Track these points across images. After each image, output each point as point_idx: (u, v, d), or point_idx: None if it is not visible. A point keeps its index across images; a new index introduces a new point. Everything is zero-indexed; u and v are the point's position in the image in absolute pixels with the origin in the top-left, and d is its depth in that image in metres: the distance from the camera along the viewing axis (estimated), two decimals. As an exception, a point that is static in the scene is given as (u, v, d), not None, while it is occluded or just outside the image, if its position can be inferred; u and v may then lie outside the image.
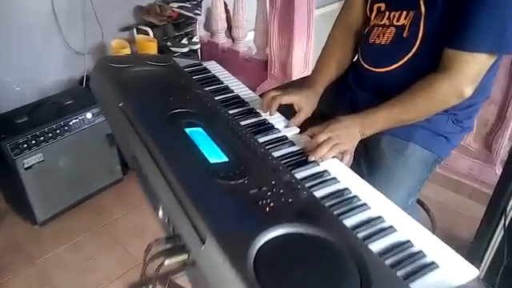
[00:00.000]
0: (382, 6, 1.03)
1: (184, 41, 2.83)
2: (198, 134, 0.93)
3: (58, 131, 1.75)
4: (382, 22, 1.02)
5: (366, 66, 1.08)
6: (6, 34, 2.41)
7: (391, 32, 1.00)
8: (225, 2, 2.99)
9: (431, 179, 2.01)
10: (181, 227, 0.73)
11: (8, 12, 2.38)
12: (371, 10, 1.06)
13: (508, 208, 1.26)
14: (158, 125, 0.95)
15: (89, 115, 1.83)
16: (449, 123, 1.04)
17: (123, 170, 2.08)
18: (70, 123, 1.79)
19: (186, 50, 2.80)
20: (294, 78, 2.57)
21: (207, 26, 3.18)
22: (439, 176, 1.99)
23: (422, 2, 0.94)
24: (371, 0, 1.06)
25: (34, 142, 1.69)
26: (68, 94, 2.00)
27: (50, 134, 1.73)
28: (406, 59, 0.99)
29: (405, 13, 0.97)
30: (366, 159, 1.02)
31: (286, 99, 1.00)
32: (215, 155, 0.86)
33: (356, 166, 0.99)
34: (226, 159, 0.85)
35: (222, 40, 3.02)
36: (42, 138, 1.71)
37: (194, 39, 2.87)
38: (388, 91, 0.99)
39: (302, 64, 2.57)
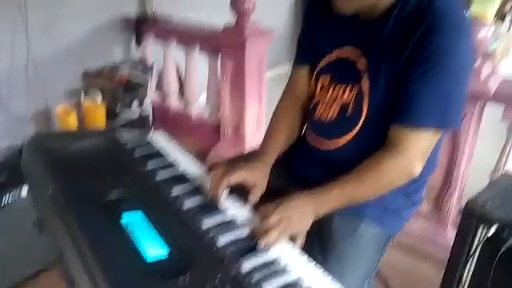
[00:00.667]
0: (327, 79, 1.02)
1: (134, 105, 2.77)
2: (136, 223, 0.85)
3: (-13, 209, 1.59)
4: (326, 98, 1.02)
5: (313, 142, 1.06)
6: None
7: (336, 108, 0.99)
8: (176, 66, 3.00)
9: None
10: None
11: None
12: (316, 82, 1.05)
13: (464, 277, 1.25)
14: (92, 215, 0.86)
15: (24, 192, 1.68)
16: (399, 198, 1.01)
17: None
18: (3, 200, 1.63)
19: (136, 114, 2.74)
20: (248, 141, 2.56)
21: (159, 89, 3.15)
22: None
23: (365, 77, 0.94)
24: (316, 72, 1.06)
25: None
26: (4, 167, 1.84)
27: (-21, 213, 1.57)
28: (351, 136, 0.98)
29: (349, 87, 0.97)
30: (319, 241, 0.96)
31: (234, 178, 0.94)
32: (154, 248, 0.78)
33: (309, 248, 0.93)
34: (165, 253, 0.77)
35: (174, 103, 2.99)
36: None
37: (145, 103, 2.83)
38: (337, 167, 0.96)
39: (254, 126, 2.57)
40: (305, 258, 0.83)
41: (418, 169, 0.92)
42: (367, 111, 0.94)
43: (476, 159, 1.86)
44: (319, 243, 0.97)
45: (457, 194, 1.83)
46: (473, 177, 1.88)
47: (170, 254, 0.77)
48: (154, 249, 0.78)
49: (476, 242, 1.19)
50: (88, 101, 2.56)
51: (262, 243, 0.81)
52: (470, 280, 1.22)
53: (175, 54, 2.91)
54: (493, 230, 1.14)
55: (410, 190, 1.03)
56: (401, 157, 0.90)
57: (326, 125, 1.02)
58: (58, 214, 0.88)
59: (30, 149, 1.10)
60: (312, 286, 0.76)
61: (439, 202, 1.89)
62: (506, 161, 1.76)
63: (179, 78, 3.02)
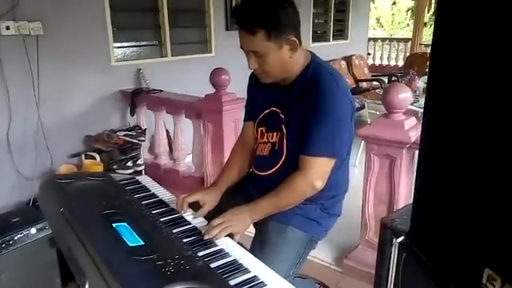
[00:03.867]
0: (263, 129, 1.44)
1: (129, 163, 3.16)
2: (123, 227, 1.19)
3: (3, 245, 1.90)
4: (263, 140, 1.42)
5: (256, 172, 1.45)
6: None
7: (268, 147, 1.40)
8: (166, 129, 3.43)
9: (348, 273, 2.27)
10: (101, 293, 0.95)
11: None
12: (257, 132, 1.46)
13: (389, 273, 1.54)
14: (90, 222, 1.20)
15: (33, 230, 2.00)
16: (317, 210, 1.38)
17: (63, 284, 2.18)
18: (15, 238, 1.95)
19: (130, 171, 3.11)
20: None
21: (151, 149, 3.56)
22: (354, 270, 2.27)
23: (283, 126, 1.36)
24: (256, 125, 1.48)
25: (-21, 256, 1.82)
26: (15, 213, 2.19)
27: (-5, 249, 1.88)
28: (278, 165, 1.37)
29: (275, 133, 1.38)
30: (258, 239, 1.32)
31: (192, 198, 1.33)
32: (134, 241, 1.12)
33: (251, 244, 1.27)
34: (142, 243, 1.11)
35: (165, 161, 3.38)
36: (-14, 253, 1.85)
37: (139, 162, 3.21)
38: (272, 188, 1.33)
39: (233, 179, 2.93)
40: (242, 248, 1.17)
41: (318, 184, 1.29)
42: (287, 147, 1.35)
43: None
44: (258, 241, 1.33)
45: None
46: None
47: (145, 243, 1.11)
48: (134, 240, 1.12)
49: (391, 250, 1.51)
50: (88, 160, 2.94)
51: (206, 236, 1.16)
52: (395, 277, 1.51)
53: (165, 119, 3.36)
54: (400, 239, 1.47)
55: (326, 204, 1.40)
56: (305, 176, 1.28)
57: (263, 158, 1.41)
58: (67, 224, 1.22)
59: (46, 183, 1.47)
60: (244, 263, 1.09)
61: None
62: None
63: (169, 140, 3.44)
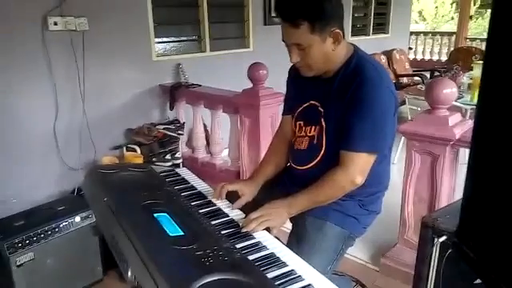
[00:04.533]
0: (302, 122, 1.42)
1: (168, 157, 3.22)
2: (163, 218, 1.22)
3: (49, 233, 1.99)
4: (301, 134, 1.41)
5: (294, 166, 1.44)
6: (10, 155, 2.78)
7: (306, 141, 1.38)
8: (204, 124, 3.48)
9: (384, 272, 2.23)
10: (142, 280, 0.98)
11: (13, 135, 2.79)
12: (295, 126, 1.45)
13: (430, 273, 1.50)
14: (133, 211, 1.24)
15: (77, 219, 2.09)
16: (356, 207, 1.36)
17: (104, 271, 2.26)
18: (61, 225, 2.04)
19: (169, 164, 3.17)
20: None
21: (189, 143, 3.62)
22: (391, 269, 2.22)
23: (322, 120, 1.33)
24: (295, 119, 1.46)
25: (27, 242, 1.92)
26: (61, 201, 2.29)
27: (42, 235, 1.97)
28: (317, 160, 1.35)
29: (314, 127, 1.36)
30: (295, 234, 1.31)
31: (231, 187, 1.34)
32: (175, 231, 1.14)
33: (288, 239, 1.27)
34: (182, 233, 1.13)
35: (202, 155, 3.43)
36: (34, 239, 1.95)
37: (177, 155, 3.28)
38: (310, 183, 1.32)
39: (269, 173, 2.94)
40: (279, 242, 1.17)
41: (359, 180, 1.27)
42: (326, 141, 1.33)
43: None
44: (295, 236, 1.32)
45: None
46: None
47: (185, 233, 1.13)
48: (174, 230, 1.14)
49: (433, 250, 1.47)
50: (129, 152, 3.03)
51: (244, 230, 1.17)
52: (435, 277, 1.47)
53: (203, 114, 3.40)
54: (442, 238, 1.43)
55: (366, 201, 1.37)
56: (345, 171, 1.26)
57: (301, 152, 1.40)
58: (111, 214, 1.26)
59: (90, 173, 1.52)
60: (281, 257, 1.09)
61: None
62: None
63: (206, 134, 3.48)
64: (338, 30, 1.25)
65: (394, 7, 6.50)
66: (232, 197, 1.36)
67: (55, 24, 2.80)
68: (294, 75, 1.42)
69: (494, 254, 0.52)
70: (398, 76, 6.11)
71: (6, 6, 2.63)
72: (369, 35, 6.21)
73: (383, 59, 6.05)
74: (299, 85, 1.43)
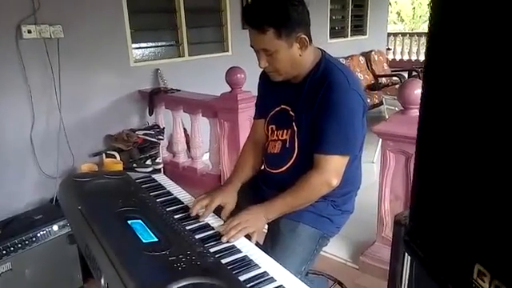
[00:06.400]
0: (274, 126, 1.45)
1: (148, 162, 3.22)
2: (137, 224, 1.23)
3: (26, 242, 1.97)
4: (274, 138, 1.43)
5: (268, 169, 1.46)
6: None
7: (279, 144, 1.40)
8: (184, 128, 3.48)
9: (364, 270, 2.27)
10: (115, 287, 0.98)
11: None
12: (268, 130, 1.47)
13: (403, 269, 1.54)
14: (106, 219, 1.24)
15: (55, 227, 2.08)
16: (329, 207, 1.38)
17: (84, 279, 2.25)
18: (38, 235, 2.02)
19: (149, 169, 3.17)
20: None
21: (170, 148, 3.61)
22: (370, 267, 2.26)
23: (293, 123, 1.36)
24: (267, 123, 1.48)
25: (4, 252, 1.89)
26: (39, 210, 2.27)
27: (20, 245, 1.95)
28: (291, 162, 1.37)
29: (285, 130, 1.39)
30: (270, 236, 1.33)
31: (214, 204, 1.32)
32: (148, 237, 1.15)
33: (263, 242, 1.29)
34: (155, 239, 1.14)
35: (183, 159, 3.43)
36: (11, 249, 1.92)
37: (158, 160, 3.27)
38: (284, 186, 1.34)
39: (249, 176, 2.96)
40: (253, 245, 1.18)
41: (334, 182, 1.29)
42: (298, 145, 1.35)
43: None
44: (270, 238, 1.34)
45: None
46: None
47: (159, 239, 1.14)
48: (148, 237, 1.15)
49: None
50: (108, 159, 3.02)
51: (224, 239, 1.17)
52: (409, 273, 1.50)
53: (183, 118, 3.41)
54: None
55: (338, 201, 1.39)
56: (321, 174, 1.29)
57: (274, 156, 1.42)
58: (85, 221, 1.26)
59: (65, 182, 1.52)
60: (255, 260, 1.11)
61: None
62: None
63: (186, 138, 3.48)
64: (303, 36, 1.28)
65: (371, 9, 6.61)
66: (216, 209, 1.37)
67: (29, 32, 2.78)
68: (265, 80, 1.45)
69: (439, 252, 0.55)
70: (376, 77, 6.20)
71: (-23, 15, 2.59)
72: (347, 37, 6.29)
73: (362, 60, 6.14)
74: (270, 89, 1.45)
